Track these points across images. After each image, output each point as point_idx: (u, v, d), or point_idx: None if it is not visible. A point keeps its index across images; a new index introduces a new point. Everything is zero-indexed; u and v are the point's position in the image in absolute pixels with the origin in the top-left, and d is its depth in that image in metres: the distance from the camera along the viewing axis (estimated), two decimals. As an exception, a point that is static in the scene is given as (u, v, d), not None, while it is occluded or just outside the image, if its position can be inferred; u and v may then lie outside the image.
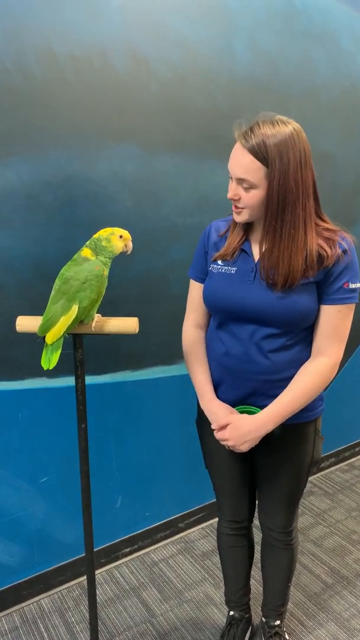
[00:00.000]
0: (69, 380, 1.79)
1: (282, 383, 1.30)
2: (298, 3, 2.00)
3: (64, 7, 1.54)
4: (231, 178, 1.23)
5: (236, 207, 1.25)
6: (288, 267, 1.22)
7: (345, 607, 1.86)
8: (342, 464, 2.78)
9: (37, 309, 1.65)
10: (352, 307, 1.28)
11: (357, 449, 2.84)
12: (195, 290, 1.43)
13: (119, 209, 1.76)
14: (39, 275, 1.66)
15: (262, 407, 1.33)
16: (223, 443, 1.34)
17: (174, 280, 1.94)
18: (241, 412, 1.35)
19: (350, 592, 1.93)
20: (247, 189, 1.20)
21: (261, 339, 1.29)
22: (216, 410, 1.36)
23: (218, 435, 1.34)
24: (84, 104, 1.63)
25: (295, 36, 2.02)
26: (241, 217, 1.26)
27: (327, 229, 1.26)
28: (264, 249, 1.26)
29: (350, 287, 1.25)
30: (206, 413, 1.39)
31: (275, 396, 1.31)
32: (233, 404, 1.37)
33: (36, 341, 1.24)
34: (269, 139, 1.15)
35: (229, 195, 1.24)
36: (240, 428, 1.30)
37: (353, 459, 2.83)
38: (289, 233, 1.21)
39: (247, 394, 1.34)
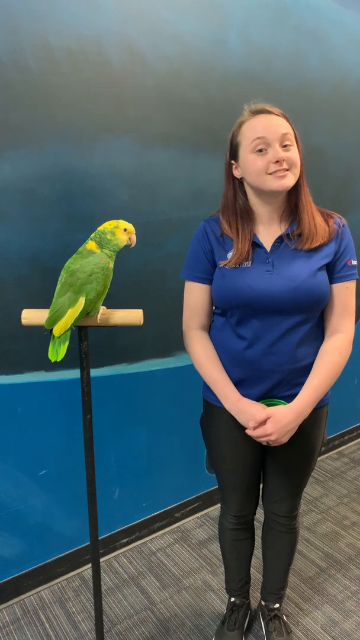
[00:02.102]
0: (68, 374, 1.81)
1: (304, 370, 1.34)
2: (289, -2, 2.03)
3: (60, 0, 1.54)
4: (264, 149, 1.23)
5: (284, 170, 1.24)
6: (313, 221, 1.30)
7: (339, 590, 1.92)
8: (332, 452, 2.84)
9: (35, 303, 1.67)
10: (355, 282, 1.35)
11: (346, 438, 2.91)
12: (197, 292, 1.40)
13: (115, 202, 1.77)
14: (37, 269, 1.67)
15: (285, 397, 1.34)
16: (263, 439, 1.31)
17: (170, 274, 1.96)
18: (267, 406, 1.33)
19: (344, 575, 1.99)
20: (287, 148, 1.24)
21: (287, 329, 1.30)
22: (248, 408, 1.32)
23: (258, 432, 1.30)
24: (80, 97, 1.63)
25: (287, 31, 2.05)
26: (289, 180, 1.25)
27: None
28: (286, 221, 1.33)
29: (352, 263, 1.33)
30: (235, 414, 1.34)
31: (298, 384, 1.33)
32: (256, 400, 1.35)
33: (43, 334, 1.25)
34: (280, 110, 1.28)
35: (277, 157, 1.22)
36: (281, 420, 1.28)
37: (342, 447, 2.90)
38: (307, 192, 1.33)
39: (272, 386, 1.34)
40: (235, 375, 1.37)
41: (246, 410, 1.32)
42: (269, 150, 1.23)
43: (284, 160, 1.23)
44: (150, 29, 1.71)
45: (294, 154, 1.25)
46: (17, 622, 1.80)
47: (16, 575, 1.88)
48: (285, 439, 1.31)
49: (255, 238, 1.32)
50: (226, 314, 1.37)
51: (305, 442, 1.43)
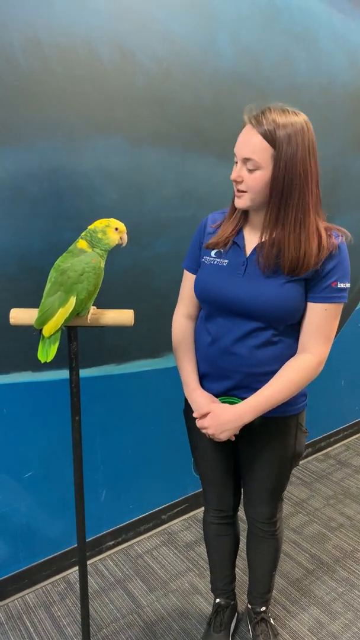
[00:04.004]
0: (55, 374, 1.78)
1: (266, 377, 1.31)
2: (279, 1, 2.03)
3: (50, -4, 1.53)
4: (236, 161, 1.23)
5: (238, 190, 1.24)
6: (297, 252, 1.21)
7: (326, 592, 1.92)
8: (318, 454, 2.85)
9: (21, 302, 1.64)
10: (340, 306, 1.28)
11: (332, 439, 2.92)
12: (188, 280, 1.45)
13: (104, 201, 1.75)
14: (24, 268, 1.64)
15: (245, 399, 1.34)
16: (203, 431, 1.36)
17: (158, 274, 1.95)
18: (223, 402, 1.37)
19: (331, 577, 1.99)
20: (251, 171, 1.20)
21: (246, 332, 1.30)
22: (198, 399, 1.38)
23: (198, 423, 1.36)
24: (70, 94, 1.61)
25: (277, 33, 2.05)
26: (242, 202, 1.25)
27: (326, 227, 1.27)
28: (266, 235, 1.25)
29: (338, 286, 1.25)
30: (189, 402, 1.42)
31: (258, 390, 1.32)
32: (217, 395, 1.39)
33: (32, 334, 1.22)
34: (278, 122, 1.17)
35: (233, 176, 1.23)
36: (219, 417, 1.32)
37: (329, 449, 2.91)
38: (296, 218, 1.21)
39: (232, 386, 1.36)
40: (202, 368, 1.42)
41: (195, 400, 1.39)
42: (235, 166, 1.24)
43: (238, 181, 1.23)
44: (140, 27, 1.70)
45: (253, 178, 1.20)
46: (1, 627, 1.77)
47: (0, 579, 1.85)
48: (223, 437, 1.32)
49: (238, 238, 1.32)
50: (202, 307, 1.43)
51: (271, 449, 1.43)
